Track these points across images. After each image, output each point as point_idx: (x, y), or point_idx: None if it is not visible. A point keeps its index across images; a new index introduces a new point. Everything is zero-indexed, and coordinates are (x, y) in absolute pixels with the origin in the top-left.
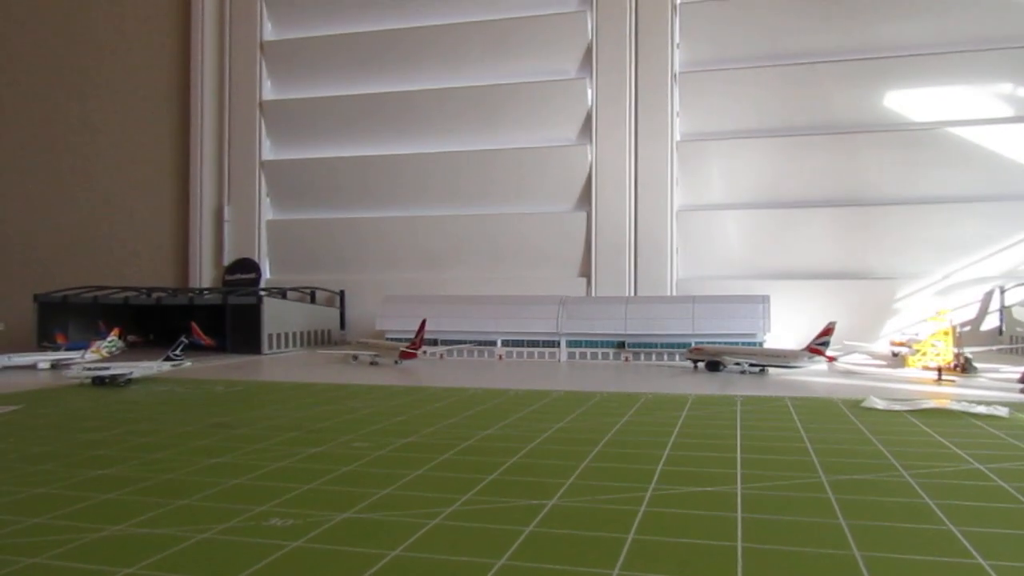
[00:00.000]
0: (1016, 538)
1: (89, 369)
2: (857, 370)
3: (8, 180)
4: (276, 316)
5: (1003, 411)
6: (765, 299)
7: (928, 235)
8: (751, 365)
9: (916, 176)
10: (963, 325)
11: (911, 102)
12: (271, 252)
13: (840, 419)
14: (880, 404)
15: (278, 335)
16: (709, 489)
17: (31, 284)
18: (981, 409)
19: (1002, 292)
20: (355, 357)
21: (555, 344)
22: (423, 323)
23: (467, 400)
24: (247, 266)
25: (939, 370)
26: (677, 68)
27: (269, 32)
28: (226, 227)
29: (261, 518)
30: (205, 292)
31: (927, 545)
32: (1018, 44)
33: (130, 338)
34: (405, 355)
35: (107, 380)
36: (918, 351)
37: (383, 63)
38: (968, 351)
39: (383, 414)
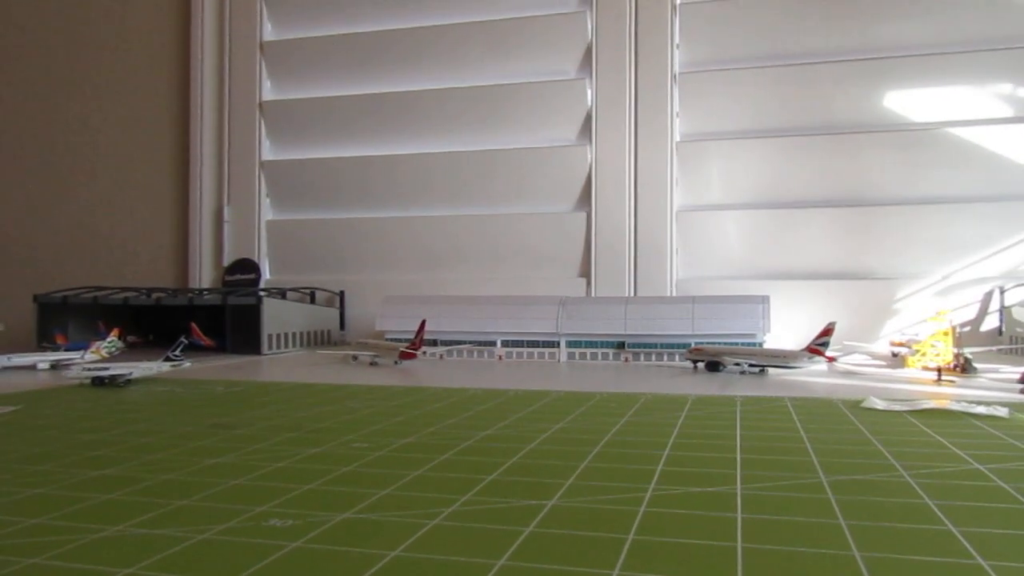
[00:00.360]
0: (1016, 538)
1: (89, 369)
2: (857, 370)
3: (8, 180)
4: (276, 316)
5: (1003, 411)
6: (765, 299)
7: (928, 235)
8: (751, 365)
9: (916, 176)
10: (963, 325)
11: (911, 102)
12: (271, 252)
13: (840, 419)
14: (880, 404)
15: (278, 335)
16: (709, 489)
17: (31, 285)
18: (981, 409)
19: (1002, 292)
20: (355, 357)
21: (555, 344)
22: (423, 323)
23: (467, 400)
24: (247, 266)
25: (939, 370)
26: (677, 68)
27: (269, 32)
28: (226, 227)
29: (261, 518)
30: (205, 292)
31: (927, 545)
32: (1018, 44)
33: (130, 338)
34: (405, 355)
35: (107, 380)
36: (918, 351)
37: (383, 63)
38: (968, 351)
39: (383, 415)
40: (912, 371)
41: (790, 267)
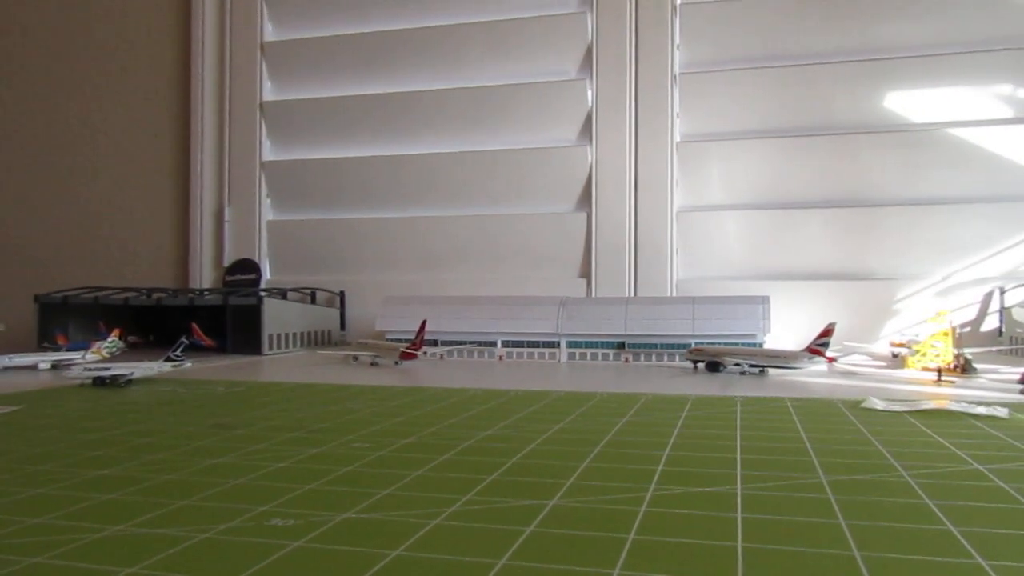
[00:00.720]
0: (1016, 538)
1: (90, 370)
2: (857, 371)
3: (9, 180)
4: (276, 317)
5: (1003, 412)
6: (765, 300)
7: (928, 236)
8: (751, 366)
9: (916, 177)
10: (963, 326)
11: (911, 103)
12: (271, 253)
13: (840, 420)
14: (880, 405)
15: (278, 336)
16: (709, 489)
17: (31, 285)
18: (981, 410)
19: (1002, 293)
20: (355, 358)
21: (555, 345)
22: (423, 324)
23: (467, 401)
24: (247, 267)
25: (939, 371)
26: (677, 69)
27: (270, 33)
28: (226, 228)
29: (262, 518)
30: (205, 293)
31: (927, 545)
32: (1018, 45)
33: (130, 339)
34: (405, 356)
35: (108, 381)
36: (918, 352)
37: (383, 64)
38: (968, 352)
39: (383, 415)
40: (912, 372)
41: (790, 267)
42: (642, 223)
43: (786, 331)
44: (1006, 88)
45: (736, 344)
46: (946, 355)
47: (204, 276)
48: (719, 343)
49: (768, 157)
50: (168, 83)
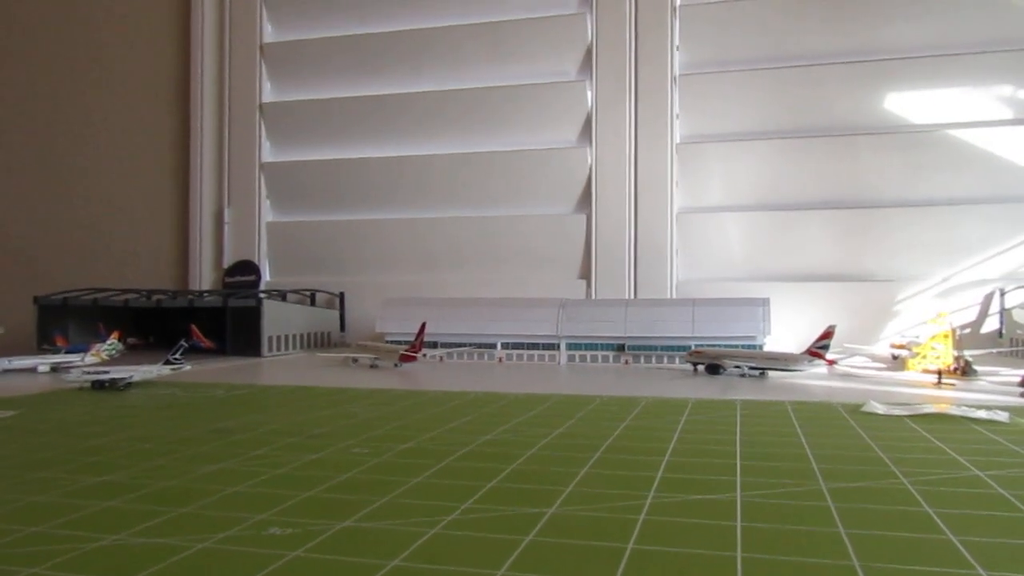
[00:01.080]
0: (1016, 548)
1: (89, 373)
2: (857, 373)
3: (8, 182)
4: (276, 318)
5: (1003, 416)
6: (765, 302)
7: (928, 237)
8: (751, 368)
9: (916, 178)
10: (963, 328)
11: (911, 104)
12: (271, 254)
13: (840, 424)
14: (880, 409)
15: (278, 337)
16: (709, 497)
17: (31, 286)
18: (981, 414)
19: (1002, 294)
20: (355, 360)
21: (555, 347)
22: (423, 326)
23: (467, 404)
24: (247, 268)
25: (939, 373)
26: (677, 70)
27: (269, 34)
28: (226, 229)
29: (261, 527)
30: (205, 294)
31: (927, 555)
32: (1018, 46)
33: (130, 340)
34: (405, 358)
35: (107, 384)
36: (918, 354)
37: (383, 65)
38: (968, 354)
39: (383, 419)
40: (912, 374)
41: (790, 269)
42: (642, 224)
43: (786, 333)
44: (1006, 89)
45: (736, 346)
46: (946, 357)
47: (204, 277)
48: (719, 345)
49: (768, 158)
50: (168, 84)
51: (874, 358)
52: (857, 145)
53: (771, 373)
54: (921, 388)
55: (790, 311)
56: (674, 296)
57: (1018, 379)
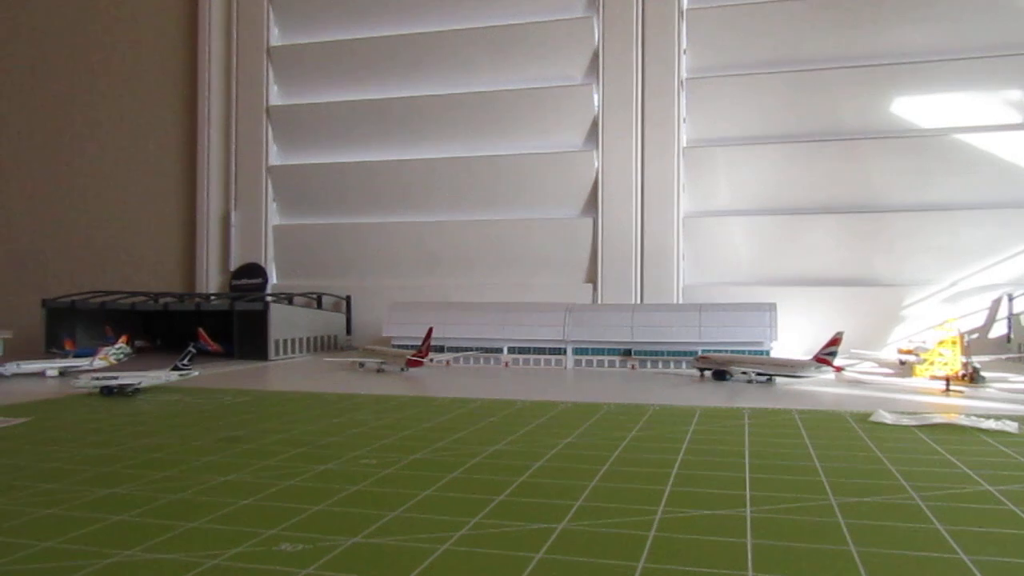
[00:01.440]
0: None
1: (97, 378)
2: (864, 379)
3: (16, 185)
4: (283, 322)
5: (1012, 426)
6: (772, 307)
7: (936, 242)
8: (758, 374)
9: (924, 183)
10: (970, 333)
11: (919, 108)
12: (278, 257)
13: (849, 435)
14: (889, 419)
15: (285, 341)
16: (719, 512)
17: (39, 289)
18: (990, 424)
19: (1010, 300)
20: (361, 364)
21: (561, 352)
22: (430, 331)
23: (474, 412)
24: (254, 271)
25: (947, 380)
26: (684, 74)
27: (276, 37)
28: (233, 232)
29: (271, 542)
30: (212, 297)
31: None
32: None
33: (137, 343)
34: (411, 363)
35: (115, 390)
36: (925, 360)
37: (389, 68)
38: (976, 360)
39: (391, 427)
40: (920, 380)
41: (797, 273)
42: (648, 228)
43: (792, 337)
44: (1015, 94)
45: (743, 352)
46: (954, 364)
47: (211, 280)
48: (726, 350)
49: (775, 162)
50: (175, 88)
51: (881, 363)
52: (864, 149)
53: (778, 379)
54: (929, 396)
55: (797, 316)
56: (680, 300)
57: None
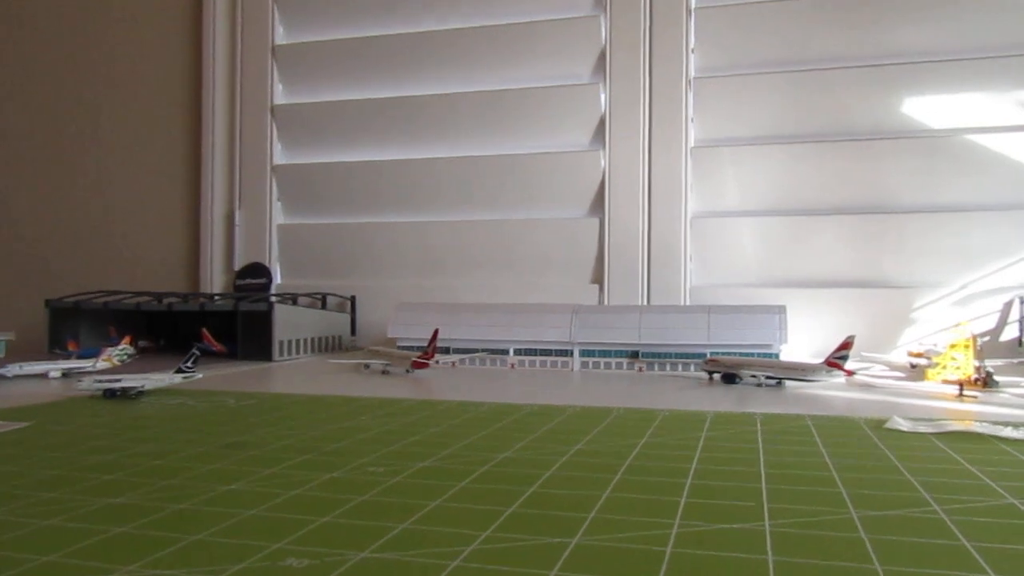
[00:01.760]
0: None
1: (100, 381)
2: (876, 383)
3: (20, 185)
4: (287, 322)
5: None
6: (781, 309)
7: (946, 243)
8: (768, 378)
9: (935, 184)
10: (982, 336)
11: (930, 109)
12: (282, 257)
13: (864, 442)
14: (904, 426)
15: (289, 341)
16: (736, 526)
17: (42, 289)
18: (1008, 432)
19: (1022, 302)
20: (366, 366)
21: (568, 353)
22: (435, 333)
23: (482, 417)
24: (258, 271)
25: (960, 385)
26: (692, 73)
27: (280, 36)
28: (237, 231)
29: (277, 557)
30: (216, 297)
31: None
32: None
33: (141, 343)
34: (417, 364)
35: (118, 392)
36: (937, 363)
37: (394, 67)
38: (988, 364)
39: (397, 433)
40: (932, 384)
41: (806, 275)
42: (655, 229)
43: (801, 339)
44: None
45: (751, 354)
46: (967, 368)
47: (215, 280)
48: (734, 353)
49: (783, 162)
50: (179, 87)
51: (892, 366)
52: (874, 150)
53: (788, 383)
54: (942, 401)
55: (805, 317)
56: (688, 301)
57: None
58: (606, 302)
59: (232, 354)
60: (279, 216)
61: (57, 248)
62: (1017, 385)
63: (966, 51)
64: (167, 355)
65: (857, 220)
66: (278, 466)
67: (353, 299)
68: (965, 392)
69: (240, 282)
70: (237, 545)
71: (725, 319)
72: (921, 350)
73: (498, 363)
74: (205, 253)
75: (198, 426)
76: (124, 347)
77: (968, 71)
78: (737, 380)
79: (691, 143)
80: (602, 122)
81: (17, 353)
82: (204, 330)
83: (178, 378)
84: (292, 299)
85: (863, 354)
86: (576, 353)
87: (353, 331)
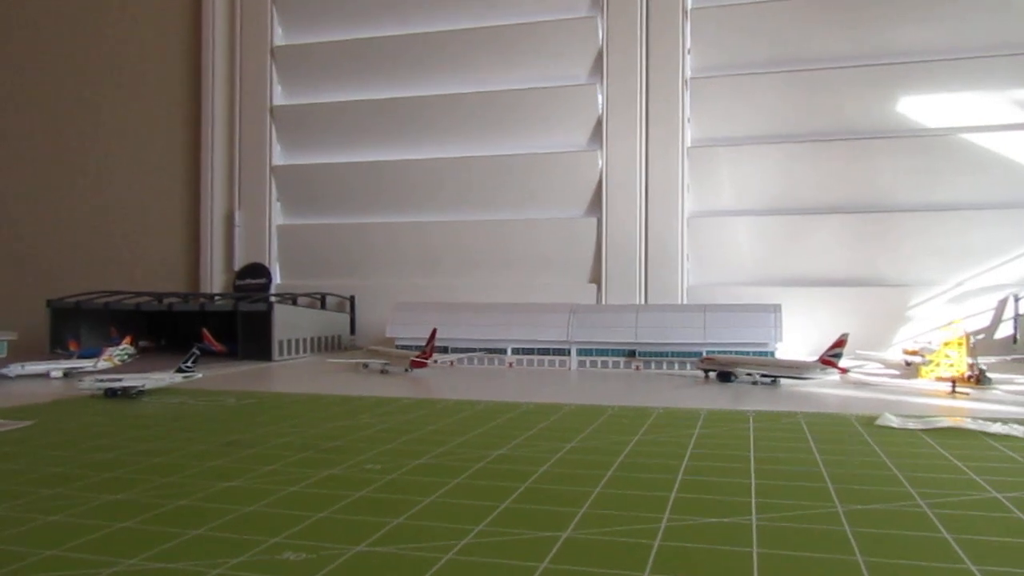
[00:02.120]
0: None
1: (101, 381)
2: (870, 381)
3: (20, 186)
4: (286, 322)
5: (1019, 430)
6: (777, 308)
7: (941, 242)
8: (763, 376)
9: (930, 182)
10: (976, 333)
11: (925, 108)
12: (281, 257)
13: (855, 439)
14: (895, 422)
15: (288, 341)
16: (724, 520)
17: (43, 290)
18: (997, 427)
19: (1016, 300)
20: (365, 365)
21: (566, 352)
22: (433, 333)
23: (478, 415)
24: (258, 271)
25: (953, 382)
26: (688, 73)
27: (279, 37)
28: (236, 232)
29: (275, 551)
30: (216, 298)
31: None
32: None
33: (142, 343)
34: (415, 364)
35: (119, 392)
36: (931, 361)
37: (393, 68)
38: (982, 361)
39: (394, 431)
40: (925, 382)
41: (802, 273)
42: (652, 228)
43: (797, 337)
44: (1021, 93)
45: (747, 353)
46: (960, 365)
47: (215, 280)
48: (730, 352)
49: (780, 162)
50: (178, 87)
51: (886, 364)
52: (870, 149)
53: (783, 381)
54: (935, 398)
55: (801, 316)
56: (685, 300)
57: None
58: (603, 301)
59: (232, 354)
60: (279, 216)
61: (57, 248)
62: (1010, 382)
63: (962, 50)
64: (167, 355)
65: (853, 219)
66: (277, 463)
67: (352, 299)
68: (958, 389)
69: (240, 282)
70: (236, 540)
71: (721, 318)
72: (915, 348)
73: (496, 362)
74: (205, 253)
75: (197, 424)
76: (125, 347)
77: (963, 70)
78: (733, 378)
79: (688, 143)
80: (599, 122)
81: (19, 353)
82: (204, 330)
83: (178, 378)
84: (292, 299)
85: (858, 352)
86: (574, 352)
87: (352, 331)
